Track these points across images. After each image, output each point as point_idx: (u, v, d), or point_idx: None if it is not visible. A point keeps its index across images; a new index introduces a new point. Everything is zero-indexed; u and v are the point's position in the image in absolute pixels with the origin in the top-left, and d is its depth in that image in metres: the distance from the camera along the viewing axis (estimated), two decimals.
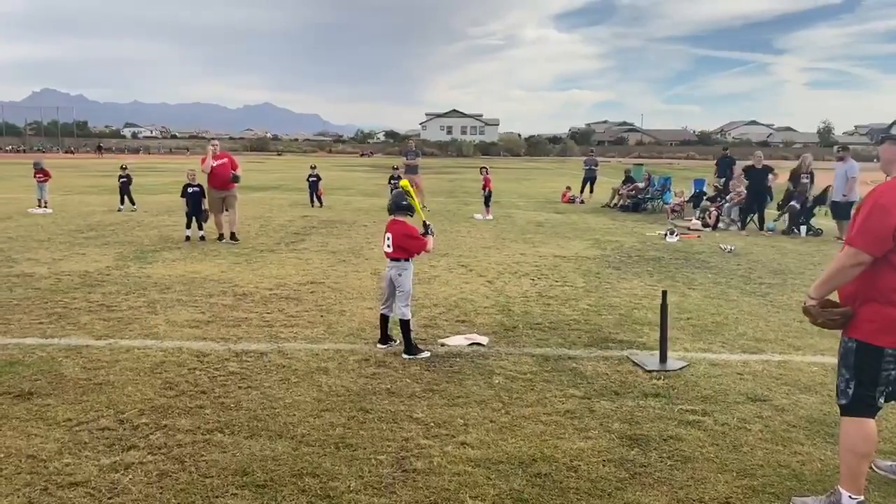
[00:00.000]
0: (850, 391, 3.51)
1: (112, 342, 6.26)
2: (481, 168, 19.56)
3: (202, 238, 12.76)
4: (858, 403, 3.50)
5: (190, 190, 12.96)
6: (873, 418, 3.51)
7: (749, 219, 16.10)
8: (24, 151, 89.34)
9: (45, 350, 5.98)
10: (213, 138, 15.55)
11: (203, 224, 12.95)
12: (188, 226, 12.97)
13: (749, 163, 16.24)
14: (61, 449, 4.10)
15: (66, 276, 9.24)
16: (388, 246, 6.41)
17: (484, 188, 18.31)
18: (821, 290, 3.59)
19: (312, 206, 19.83)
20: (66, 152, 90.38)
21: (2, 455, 4.01)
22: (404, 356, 5.99)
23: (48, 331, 6.59)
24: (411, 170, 19.95)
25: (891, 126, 3.61)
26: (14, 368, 5.48)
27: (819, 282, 3.61)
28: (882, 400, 3.50)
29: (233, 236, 12.82)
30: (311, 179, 20.34)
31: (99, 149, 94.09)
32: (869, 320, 3.43)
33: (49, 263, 10.16)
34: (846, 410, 3.55)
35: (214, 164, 12.86)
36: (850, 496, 3.47)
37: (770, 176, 15.79)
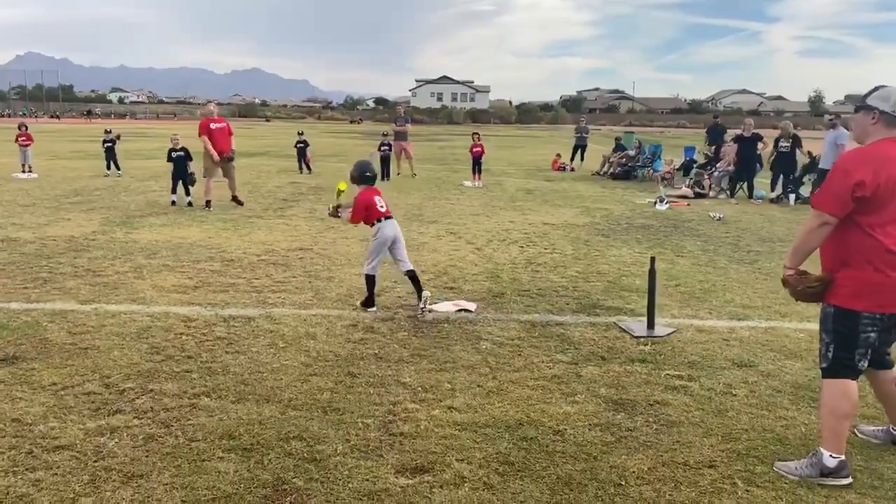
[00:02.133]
0: (830, 355, 3.60)
1: (98, 307, 6.21)
2: (473, 134, 19.49)
3: (189, 204, 12.67)
4: (838, 366, 3.58)
5: (174, 155, 12.88)
6: (855, 380, 3.59)
7: (738, 187, 16.11)
8: (9, 116, 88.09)
9: (30, 315, 5.93)
10: (209, 101, 15.44)
11: (190, 189, 12.85)
12: (174, 190, 12.93)
13: (739, 131, 16.22)
14: (46, 413, 4.08)
15: (51, 240, 9.16)
16: (382, 206, 6.65)
17: (477, 154, 18.24)
18: (794, 257, 3.71)
19: (301, 172, 19.66)
20: (52, 117, 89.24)
21: None
22: (423, 310, 6.30)
23: (33, 295, 6.54)
24: (400, 136, 19.77)
25: (866, 95, 3.75)
26: None
27: (791, 250, 3.73)
28: (863, 363, 3.58)
29: (236, 199, 12.75)
30: (298, 146, 20.13)
31: (89, 114, 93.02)
32: (844, 285, 3.53)
33: (34, 228, 10.06)
34: (827, 373, 3.64)
35: (213, 128, 12.75)
36: (830, 455, 3.53)
37: (759, 144, 15.79)
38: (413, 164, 19.68)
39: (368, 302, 6.40)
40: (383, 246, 6.52)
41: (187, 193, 12.90)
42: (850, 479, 3.53)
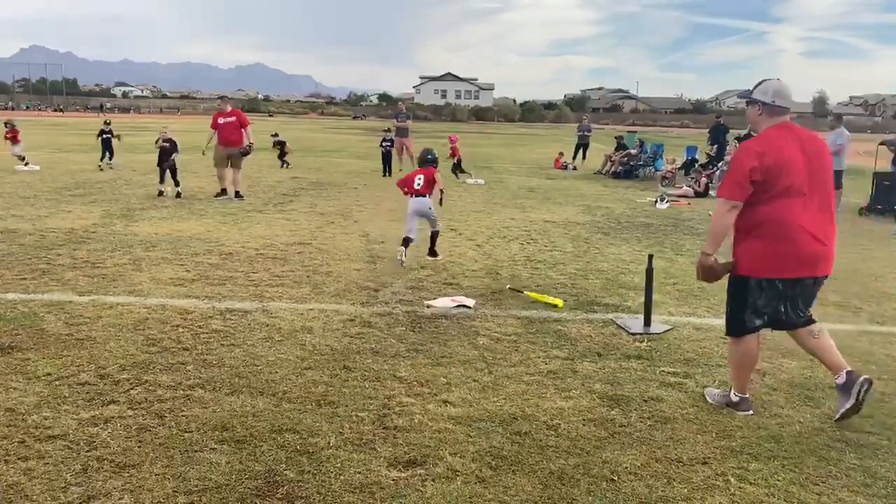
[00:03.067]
0: (730, 317, 4.23)
1: (95, 298, 6.21)
2: (451, 136, 19.70)
3: (178, 195, 12.84)
4: (736, 326, 4.20)
5: (158, 145, 13.18)
6: (753, 338, 4.18)
7: None
8: (13, 109, 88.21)
9: (27, 305, 5.94)
10: (222, 96, 15.56)
11: (179, 181, 13.05)
12: (161, 180, 13.11)
13: (745, 131, 16.16)
14: (40, 403, 4.08)
15: (51, 232, 9.16)
16: (421, 182, 8.17)
17: (452, 155, 18.45)
18: (712, 243, 4.11)
19: (282, 167, 19.66)
20: (55, 110, 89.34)
21: None
22: (430, 257, 8.21)
23: (31, 286, 6.54)
24: (402, 132, 19.73)
25: (752, 91, 4.23)
26: None
27: (709, 237, 4.17)
28: (758, 322, 4.12)
29: (237, 194, 12.78)
30: (276, 144, 20.83)
31: (101, 108, 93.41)
32: (742, 256, 4.08)
33: (34, 220, 10.07)
34: (729, 333, 4.29)
35: (221, 122, 12.89)
36: (735, 394, 4.28)
37: None
38: (414, 160, 19.58)
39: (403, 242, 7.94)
40: (409, 216, 8.18)
41: (176, 184, 13.08)
42: (750, 412, 4.23)
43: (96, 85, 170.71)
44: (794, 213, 3.92)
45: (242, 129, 13.05)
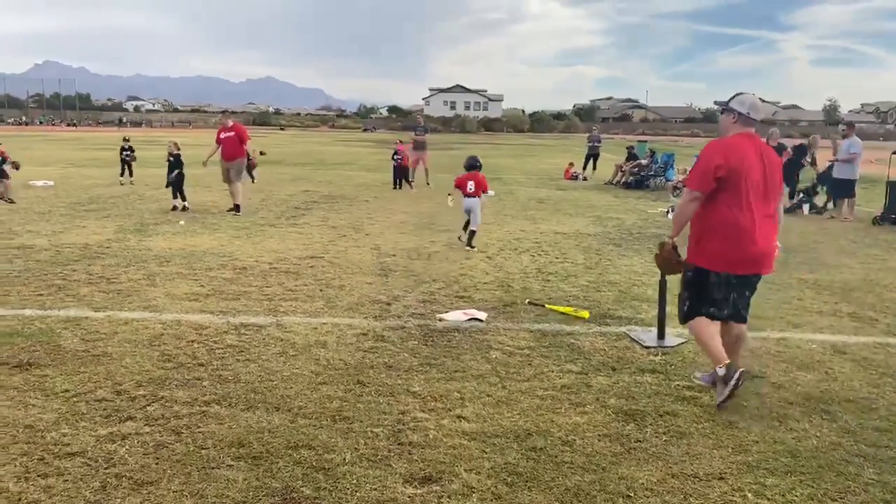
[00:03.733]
0: (686, 308, 4.64)
1: (111, 314, 6.26)
2: (399, 147, 19.25)
3: (184, 209, 13.13)
4: (690, 313, 4.61)
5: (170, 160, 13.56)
6: (704, 318, 4.55)
7: None
8: (27, 124, 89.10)
9: (44, 321, 5.99)
10: (224, 111, 15.68)
11: (185, 195, 13.36)
12: (174, 196, 13.35)
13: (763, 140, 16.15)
14: (58, 419, 4.11)
15: (66, 248, 9.24)
16: (472, 186, 10.07)
17: (402, 165, 18.54)
18: (675, 228, 4.62)
19: (253, 182, 18.41)
20: (69, 125, 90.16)
21: None
22: (469, 247, 9.85)
23: (47, 302, 6.60)
24: (419, 146, 19.39)
25: (728, 101, 4.66)
26: (12, 339, 5.49)
27: (673, 222, 4.67)
28: (711, 310, 4.52)
29: (236, 208, 12.83)
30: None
31: (120, 122, 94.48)
32: (700, 251, 4.50)
33: (49, 235, 10.16)
34: (683, 321, 4.71)
35: (223, 137, 13.03)
36: (718, 367, 4.49)
37: (783, 154, 15.63)
38: (429, 174, 19.49)
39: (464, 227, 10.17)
40: (464, 211, 10.14)
41: (183, 199, 13.33)
42: (743, 369, 4.53)
43: (109, 99, 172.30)
44: (749, 216, 4.35)
45: (242, 144, 13.12)
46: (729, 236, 4.37)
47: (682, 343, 5.77)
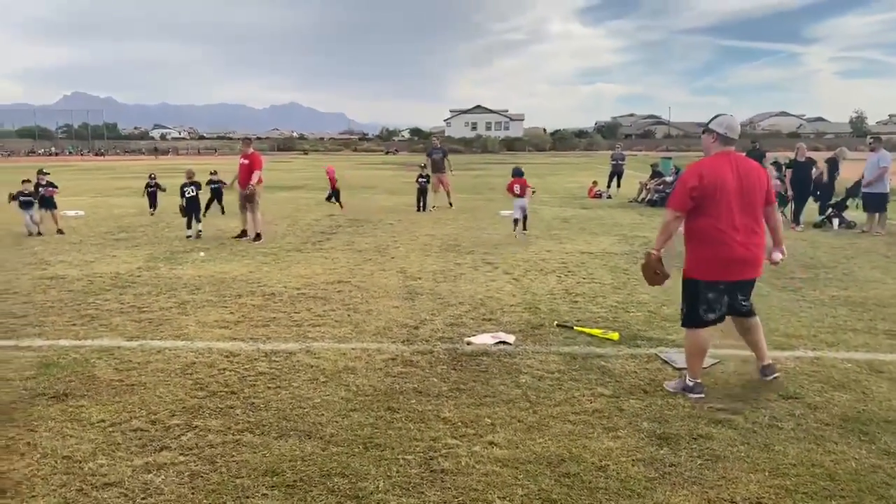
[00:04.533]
0: (684, 313, 5.11)
1: (143, 343, 6.35)
2: (327, 168, 19.50)
3: (198, 235, 13.46)
4: (689, 321, 5.07)
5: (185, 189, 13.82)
6: (704, 330, 5.03)
7: (780, 211, 15.84)
8: (56, 154, 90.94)
9: (79, 352, 6.09)
10: (244, 138, 15.73)
11: (193, 220, 13.59)
12: (188, 225, 13.60)
13: (790, 154, 16.01)
14: (95, 450, 4.17)
15: (97, 277, 9.40)
16: (520, 190, 13.55)
17: (331, 186, 18.80)
18: (659, 242, 5.10)
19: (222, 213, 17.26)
20: (97, 154, 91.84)
21: (38, 456, 4.10)
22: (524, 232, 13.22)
23: (81, 332, 6.71)
24: (437, 167, 19.50)
25: (709, 122, 5.15)
26: (49, 370, 5.58)
27: (657, 237, 5.13)
28: (709, 316, 4.99)
29: (258, 236, 12.92)
30: (212, 186, 17.45)
31: (155, 150, 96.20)
32: (689, 261, 5.02)
33: (81, 265, 10.34)
34: (684, 325, 5.14)
35: (240, 163, 13.22)
36: (689, 379, 5.05)
37: (814, 169, 15.44)
38: (451, 194, 19.50)
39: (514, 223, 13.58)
40: (514, 210, 13.54)
41: (198, 221, 13.71)
42: (702, 395, 4.97)
43: (135, 128, 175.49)
44: (726, 227, 4.83)
45: (253, 172, 13.19)
46: (710, 247, 4.89)
47: (715, 364, 5.70)
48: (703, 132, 5.14)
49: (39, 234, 13.82)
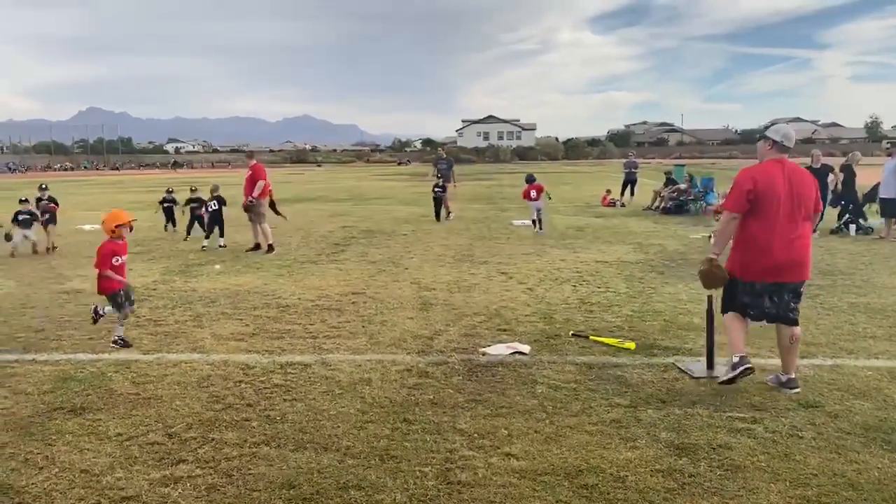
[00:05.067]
0: (724, 301, 5.44)
1: (160, 356, 6.38)
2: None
3: (203, 248, 13.61)
4: (726, 307, 5.41)
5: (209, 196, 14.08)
6: (741, 317, 5.33)
7: None
8: (72, 169, 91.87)
9: (96, 365, 6.12)
10: (249, 152, 15.88)
11: (209, 234, 13.79)
12: (207, 236, 13.96)
13: (805, 160, 15.85)
14: (113, 463, 4.18)
15: None
16: (535, 195, 15.49)
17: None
18: (717, 246, 5.40)
19: (167, 229, 16.97)
20: (112, 168, 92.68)
21: (56, 470, 4.11)
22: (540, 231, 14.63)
23: (98, 346, 6.74)
24: (444, 178, 19.19)
25: (765, 129, 5.75)
26: (66, 384, 5.62)
27: (714, 241, 5.47)
28: (752, 313, 5.27)
29: (270, 248, 12.97)
30: (165, 206, 17.13)
31: (175, 164, 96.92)
32: (732, 262, 5.31)
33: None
34: (723, 311, 5.44)
35: (246, 176, 13.38)
36: (734, 355, 5.23)
37: (830, 176, 15.26)
38: (450, 206, 19.02)
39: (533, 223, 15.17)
40: (531, 212, 15.47)
41: (221, 235, 13.95)
42: (750, 365, 5.16)
43: (150, 142, 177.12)
44: (770, 232, 5.05)
45: (254, 183, 13.24)
46: (750, 250, 5.16)
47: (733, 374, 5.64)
48: (759, 139, 5.39)
49: (35, 252, 13.38)
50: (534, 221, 15.74)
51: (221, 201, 14.26)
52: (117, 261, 6.74)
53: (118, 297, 6.75)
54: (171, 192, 17.38)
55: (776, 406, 4.96)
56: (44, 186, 15.90)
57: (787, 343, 5.27)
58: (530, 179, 16.01)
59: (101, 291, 6.83)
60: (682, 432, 4.54)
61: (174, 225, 16.96)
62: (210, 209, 14.07)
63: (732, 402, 5.04)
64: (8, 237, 13.28)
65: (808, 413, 4.83)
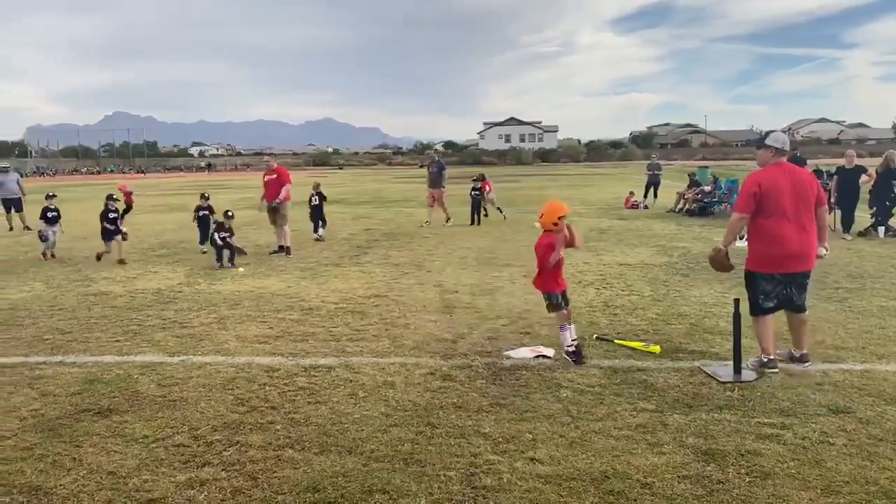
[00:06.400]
0: (750, 302, 5.87)
1: (185, 358, 6.42)
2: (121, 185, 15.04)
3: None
4: (754, 308, 5.87)
5: (201, 213, 13.93)
6: (768, 315, 5.83)
7: None
8: (99, 173, 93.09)
9: (122, 367, 6.18)
10: (269, 154, 16.12)
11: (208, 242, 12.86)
12: (315, 229, 15.23)
13: (833, 161, 15.60)
14: (139, 465, 4.21)
15: (140, 293, 9.55)
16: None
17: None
18: (727, 239, 5.95)
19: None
20: (138, 172, 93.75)
21: (84, 471, 4.15)
22: None
23: (124, 348, 6.81)
24: (433, 183, 18.57)
25: (764, 137, 6.00)
26: (93, 386, 5.68)
27: (725, 235, 5.97)
28: (769, 304, 5.80)
29: (287, 250, 13.05)
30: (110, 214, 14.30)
31: (209, 167, 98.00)
32: (750, 257, 5.90)
33: (123, 282, 10.52)
34: (752, 313, 5.89)
35: (266, 179, 13.40)
36: (764, 356, 5.81)
37: (863, 176, 15.00)
38: (447, 210, 18.49)
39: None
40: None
41: (322, 227, 15.27)
42: (777, 369, 5.73)
43: (174, 146, 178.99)
44: (783, 227, 5.63)
45: (282, 186, 13.36)
46: (767, 244, 5.71)
47: (760, 377, 5.57)
48: (760, 147, 5.92)
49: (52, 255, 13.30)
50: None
51: (322, 197, 15.69)
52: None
53: (555, 298, 6.32)
54: (208, 197, 14.74)
55: (805, 412, 4.88)
56: (51, 195, 14.58)
57: (798, 323, 5.91)
58: (482, 178, 19.67)
59: (543, 289, 6.40)
60: (710, 438, 4.48)
61: (208, 240, 13.08)
62: (312, 203, 15.51)
63: (760, 408, 4.97)
64: (43, 237, 13.46)
65: (838, 419, 4.74)
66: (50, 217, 13.69)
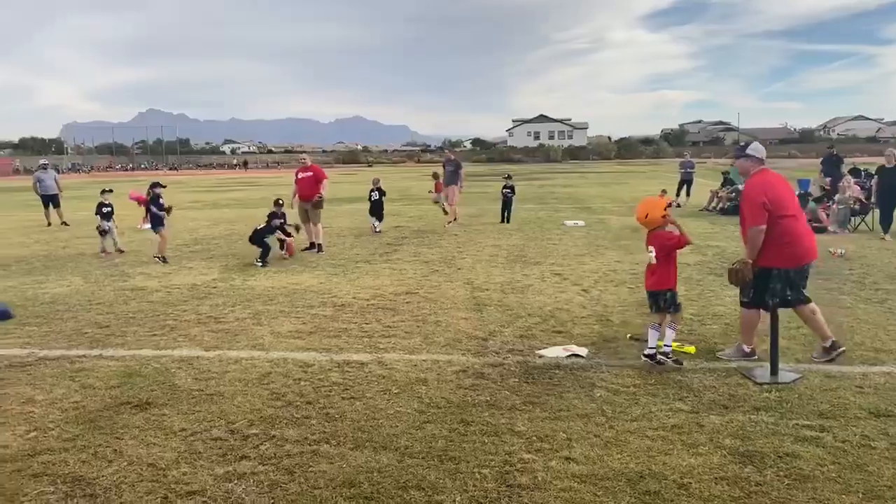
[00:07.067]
0: (751, 294, 5.97)
1: (221, 353, 6.51)
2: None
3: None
4: (755, 301, 5.96)
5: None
6: (761, 311, 5.97)
7: (860, 220, 15.19)
8: (132, 170, 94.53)
9: (160, 361, 6.28)
10: (303, 151, 16.24)
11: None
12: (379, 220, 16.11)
13: (871, 160, 15.28)
14: (178, 458, 4.28)
15: (175, 289, 9.69)
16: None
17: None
18: (750, 253, 5.88)
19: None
20: (171, 169, 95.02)
21: (125, 463, 4.23)
22: None
23: (161, 342, 6.92)
24: (448, 180, 18.22)
25: (744, 148, 6.23)
26: (132, 379, 5.78)
27: (747, 249, 5.93)
28: (772, 301, 5.80)
29: (319, 247, 13.14)
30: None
31: (245, 164, 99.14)
32: (764, 254, 5.81)
33: (160, 277, 10.68)
34: (744, 305, 6.10)
35: (300, 177, 13.43)
36: (744, 346, 6.12)
37: None
38: (455, 210, 18.05)
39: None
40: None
41: (379, 220, 16.02)
42: (756, 357, 6.01)
43: (206, 143, 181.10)
44: (796, 225, 5.89)
45: (318, 184, 13.44)
46: (785, 242, 5.80)
47: (798, 378, 5.49)
48: (742, 158, 6.16)
49: (112, 253, 13.50)
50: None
51: (382, 192, 16.38)
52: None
53: (663, 296, 6.16)
54: (282, 203, 12.82)
55: (845, 414, 4.80)
56: (107, 189, 15.44)
57: (810, 314, 5.97)
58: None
59: (663, 286, 6.21)
60: (747, 439, 4.42)
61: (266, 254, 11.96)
62: (371, 198, 16.27)
63: (798, 410, 4.90)
64: (102, 231, 13.73)
65: (879, 422, 4.66)
66: (105, 212, 13.90)
